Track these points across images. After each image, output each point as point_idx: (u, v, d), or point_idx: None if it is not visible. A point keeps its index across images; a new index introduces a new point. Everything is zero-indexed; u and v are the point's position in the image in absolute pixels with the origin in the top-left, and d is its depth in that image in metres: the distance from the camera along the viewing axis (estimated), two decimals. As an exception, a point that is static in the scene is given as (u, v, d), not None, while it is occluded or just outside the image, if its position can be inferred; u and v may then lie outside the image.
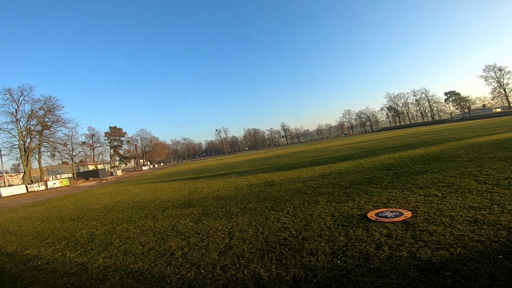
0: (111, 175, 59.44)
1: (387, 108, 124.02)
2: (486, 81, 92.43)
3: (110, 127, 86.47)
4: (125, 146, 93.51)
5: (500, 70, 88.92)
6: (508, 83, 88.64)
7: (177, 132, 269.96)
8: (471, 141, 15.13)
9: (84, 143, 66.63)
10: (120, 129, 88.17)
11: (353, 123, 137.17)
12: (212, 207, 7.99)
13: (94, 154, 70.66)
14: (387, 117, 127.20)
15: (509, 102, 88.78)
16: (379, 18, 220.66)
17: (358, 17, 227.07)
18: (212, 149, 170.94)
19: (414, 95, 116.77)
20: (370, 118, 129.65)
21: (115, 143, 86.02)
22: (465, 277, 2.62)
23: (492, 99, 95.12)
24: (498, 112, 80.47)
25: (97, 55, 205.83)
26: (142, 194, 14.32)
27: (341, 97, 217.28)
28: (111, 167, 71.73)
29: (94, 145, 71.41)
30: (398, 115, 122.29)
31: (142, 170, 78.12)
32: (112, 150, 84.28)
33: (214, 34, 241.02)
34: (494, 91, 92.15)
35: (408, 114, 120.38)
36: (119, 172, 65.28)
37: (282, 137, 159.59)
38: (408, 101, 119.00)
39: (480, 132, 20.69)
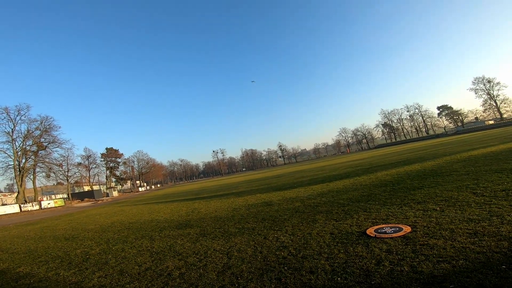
0: (107, 196, 58.80)
1: (382, 124, 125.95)
2: (476, 93, 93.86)
3: (106, 148, 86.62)
4: (121, 168, 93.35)
5: (489, 82, 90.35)
6: (498, 95, 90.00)
7: (174, 153, 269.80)
8: (466, 154, 15.28)
9: (80, 164, 66.51)
10: (116, 151, 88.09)
11: (350, 141, 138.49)
12: (210, 227, 7.88)
13: (90, 175, 70.26)
14: (383, 133, 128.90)
15: (501, 114, 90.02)
16: (369, 37, 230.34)
17: (350, 37, 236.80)
18: (210, 170, 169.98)
19: (407, 111, 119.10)
20: (366, 136, 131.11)
21: (111, 164, 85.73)
22: None
23: (483, 112, 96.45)
24: (491, 124, 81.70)
25: (95, 75, 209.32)
26: (138, 215, 14.16)
27: (337, 115, 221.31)
28: (107, 188, 70.86)
29: (90, 166, 71.23)
30: (393, 131, 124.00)
31: (139, 191, 77.17)
32: (108, 171, 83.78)
33: (210, 54, 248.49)
34: (485, 103, 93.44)
35: (403, 130, 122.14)
36: (115, 193, 64.53)
37: (280, 157, 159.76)
38: (402, 117, 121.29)
39: (474, 145, 20.93)
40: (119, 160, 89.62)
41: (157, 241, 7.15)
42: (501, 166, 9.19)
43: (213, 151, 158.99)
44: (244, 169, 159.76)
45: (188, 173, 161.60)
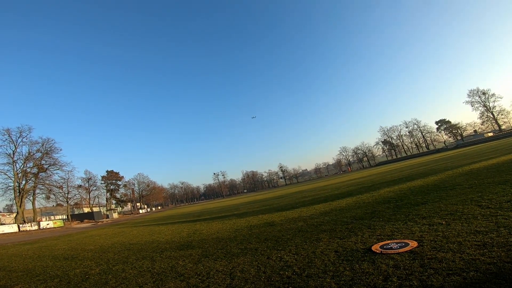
0: (107, 218, 58.27)
1: (382, 142, 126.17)
2: (472, 106, 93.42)
3: (107, 171, 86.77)
4: (122, 190, 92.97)
5: (484, 93, 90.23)
6: (495, 106, 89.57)
7: (175, 176, 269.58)
8: (468, 168, 15.22)
9: (80, 186, 66.55)
10: (117, 173, 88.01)
11: (350, 159, 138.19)
12: (212, 248, 7.72)
13: (90, 197, 69.93)
14: (383, 151, 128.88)
15: (499, 125, 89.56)
16: (363, 53, 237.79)
17: (343, 53, 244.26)
18: (211, 193, 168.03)
19: (406, 127, 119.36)
20: (367, 154, 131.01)
21: (112, 186, 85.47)
22: None
23: (482, 124, 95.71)
24: (490, 136, 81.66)
25: (96, 98, 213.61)
26: (139, 236, 13.94)
27: (336, 134, 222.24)
28: (107, 210, 70.00)
29: (90, 189, 70.96)
30: (394, 148, 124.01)
31: (139, 213, 76.16)
32: (108, 194, 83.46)
33: (208, 73, 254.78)
34: (482, 115, 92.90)
35: (403, 146, 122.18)
36: (115, 215, 63.76)
37: (281, 178, 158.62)
38: (401, 133, 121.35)
39: (476, 158, 20.92)
40: (119, 182, 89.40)
41: (158, 262, 7.03)
42: (504, 178, 9.16)
43: (214, 174, 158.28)
44: (245, 191, 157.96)
45: (189, 195, 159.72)
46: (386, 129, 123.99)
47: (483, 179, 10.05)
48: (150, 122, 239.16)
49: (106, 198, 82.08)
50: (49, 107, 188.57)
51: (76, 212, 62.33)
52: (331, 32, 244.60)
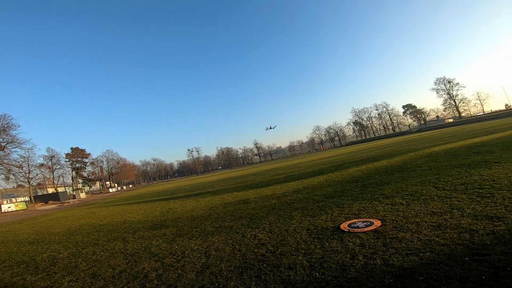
0: (73, 198, 55.67)
1: (353, 122, 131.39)
2: (437, 93, 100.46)
3: (72, 148, 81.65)
4: (89, 168, 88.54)
5: (449, 82, 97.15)
6: (457, 95, 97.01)
7: (147, 152, 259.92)
8: (429, 150, 16.33)
9: (42, 165, 62.37)
10: (83, 150, 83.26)
11: (323, 138, 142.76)
12: (186, 227, 7.74)
13: (53, 177, 66.08)
14: (354, 131, 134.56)
15: (459, 113, 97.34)
16: (341, 38, 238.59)
17: (323, 37, 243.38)
18: (185, 169, 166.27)
19: (376, 109, 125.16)
20: (338, 133, 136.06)
21: (77, 164, 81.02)
22: (438, 280, 2.71)
23: (444, 110, 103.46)
24: (450, 122, 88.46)
25: (55, 67, 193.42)
26: (109, 217, 13.55)
27: (310, 113, 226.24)
28: (73, 190, 66.85)
29: (54, 167, 67.01)
30: (363, 129, 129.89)
31: (109, 192, 73.61)
32: (74, 172, 79.11)
33: (181, 50, 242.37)
34: (445, 102, 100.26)
35: (372, 127, 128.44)
36: (82, 195, 61.07)
37: (256, 155, 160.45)
38: (371, 115, 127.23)
39: (436, 142, 22.44)
40: (86, 160, 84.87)
41: (131, 243, 6.92)
42: (460, 162, 9.92)
43: (188, 150, 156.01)
44: (220, 168, 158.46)
45: (162, 172, 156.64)
46: (357, 111, 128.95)
47: (441, 162, 10.86)
48: (118, 94, 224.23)
49: (72, 177, 78.15)
50: (2, 79, 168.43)
51: (40, 193, 58.60)
52: (307, 13, 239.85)
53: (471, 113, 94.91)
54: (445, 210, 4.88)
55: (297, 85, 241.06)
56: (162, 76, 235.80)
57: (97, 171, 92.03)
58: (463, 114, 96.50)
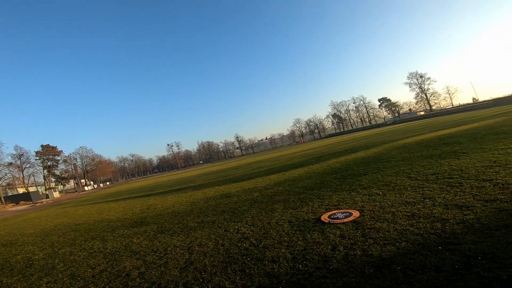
0: (46, 198, 52.66)
1: (332, 115, 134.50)
2: (410, 87, 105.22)
3: (42, 146, 76.82)
4: (61, 166, 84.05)
5: (421, 77, 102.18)
6: (429, 89, 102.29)
7: (124, 148, 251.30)
8: (402, 142, 17.11)
9: (11, 164, 58.68)
10: (54, 148, 78.76)
11: (303, 131, 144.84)
12: (168, 223, 7.62)
13: (24, 176, 62.51)
14: (333, 124, 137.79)
15: (430, 106, 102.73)
16: (320, 32, 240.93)
17: (302, 28, 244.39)
18: (165, 165, 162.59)
19: (354, 102, 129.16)
20: (318, 126, 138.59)
21: (49, 163, 76.66)
22: (414, 270, 2.81)
23: (416, 104, 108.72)
24: (422, 114, 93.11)
25: (24, 59, 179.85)
26: (86, 216, 13.05)
27: (291, 106, 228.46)
28: (46, 189, 63.39)
29: (23, 166, 63.31)
30: (342, 121, 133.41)
31: (85, 190, 70.42)
32: (46, 171, 74.79)
33: (157, 44, 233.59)
34: (417, 96, 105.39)
35: (350, 120, 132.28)
36: (56, 194, 57.99)
37: (237, 148, 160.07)
38: (349, 108, 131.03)
39: (408, 134, 23.50)
40: (58, 158, 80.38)
41: (110, 242, 6.74)
42: (431, 152, 10.46)
43: (168, 145, 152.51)
44: (201, 162, 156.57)
45: (141, 168, 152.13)
46: (336, 104, 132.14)
47: (413, 152, 11.41)
48: (92, 88, 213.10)
49: (44, 176, 73.95)
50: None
51: (10, 194, 54.98)
52: (287, 8, 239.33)
53: (441, 106, 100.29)
54: (418, 199, 5.11)
55: (277, 78, 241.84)
56: (139, 69, 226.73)
57: (70, 169, 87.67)
58: (433, 107, 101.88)
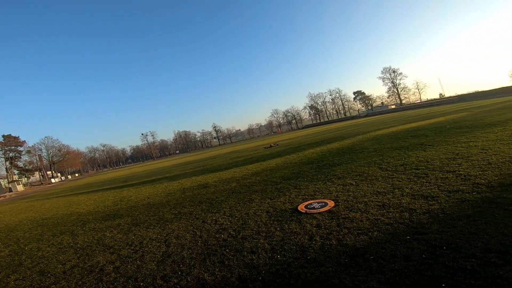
0: (10, 191, 49.08)
1: (309, 107, 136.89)
2: (383, 81, 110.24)
3: (3, 136, 71.28)
4: (25, 157, 78.07)
5: (394, 72, 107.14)
6: (400, 83, 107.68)
7: (94, 139, 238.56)
8: (374, 134, 17.88)
9: None
10: (16, 138, 73.22)
11: (281, 121, 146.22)
12: (143, 215, 7.42)
13: None
14: (310, 115, 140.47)
15: (400, 100, 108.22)
16: (299, 24, 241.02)
17: (279, 22, 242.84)
18: (139, 155, 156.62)
19: (330, 95, 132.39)
20: (295, 117, 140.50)
21: (11, 154, 71.12)
22: (385, 259, 2.93)
23: (388, 97, 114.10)
24: (393, 108, 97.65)
25: None
26: (53, 210, 12.38)
27: (269, 97, 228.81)
28: (8, 182, 58.76)
29: None
30: (318, 113, 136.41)
31: (52, 183, 66.29)
32: (8, 163, 69.30)
33: (127, 27, 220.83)
34: (389, 90, 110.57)
35: (326, 111, 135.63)
36: (20, 187, 54.15)
37: (214, 138, 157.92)
38: (326, 100, 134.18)
39: (380, 126, 24.55)
40: (21, 148, 74.79)
41: (80, 236, 6.49)
42: (400, 144, 11.02)
43: (142, 134, 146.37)
44: (177, 152, 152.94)
45: (113, 159, 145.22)
46: (313, 95, 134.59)
47: (384, 144, 11.97)
48: (56, 74, 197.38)
49: (6, 168, 68.66)
50: None
51: None
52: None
53: (410, 101, 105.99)
54: (388, 190, 5.38)
55: (256, 68, 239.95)
56: (110, 54, 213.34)
57: (35, 160, 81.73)
58: (404, 102, 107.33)
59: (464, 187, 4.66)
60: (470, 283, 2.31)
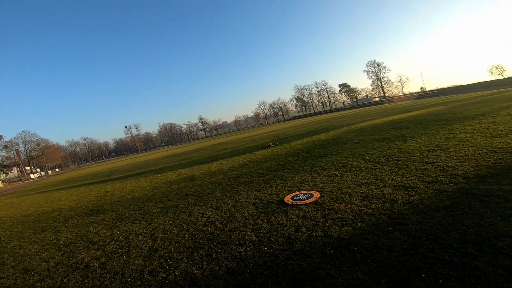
0: None
1: (295, 98, 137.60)
2: (368, 74, 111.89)
3: None
4: (2, 153, 73.83)
5: (378, 65, 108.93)
6: (384, 77, 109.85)
7: (75, 132, 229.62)
8: (358, 125, 18.29)
9: None
10: (-8, 133, 68.80)
11: (268, 113, 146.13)
12: (128, 210, 7.29)
13: None
14: (296, 107, 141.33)
15: (384, 93, 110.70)
16: (286, 17, 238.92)
17: (270, 17, 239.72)
18: (123, 148, 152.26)
19: (316, 87, 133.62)
20: (282, 108, 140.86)
21: (-14, 149, 67.00)
22: (369, 250, 2.99)
23: (372, 90, 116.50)
24: (376, 101, 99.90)
25: None
26: (34, 206, 11.98)
27: (256, 88, 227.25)
28: None
29: None
30: (305, 105, 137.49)
31: (31, 178, 63.47)
32: (-17, 159, 65.44)
33: (110, 20, 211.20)
34: (374, 83, 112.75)
35: (312, 103, 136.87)
36: None
37: (201, 130, 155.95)
38: (312, 92, 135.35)
39: (364, 118, 25.11)
40: (-4, 143, 70.67)
41: (63, 233, 6.33)
42: (383, 136, 11.33)
43: (126, 127, 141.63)
44: (163, 144, 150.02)
45: (95, 152, 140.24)
46: (300, 87, 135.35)
47: (368, 136, 12.26)
48: (34, 66, 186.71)
49: None
50: None
51: None
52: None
53: (393, 94, 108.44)
54: (371, 180, 5.53)
55: (243, 59, 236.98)
56: (91, 47, 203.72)
57: (12, 156, 77.70)
58: (387, 94, 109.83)
59: (443, 178, 4.84)
60: (448, 274, 2.37)
